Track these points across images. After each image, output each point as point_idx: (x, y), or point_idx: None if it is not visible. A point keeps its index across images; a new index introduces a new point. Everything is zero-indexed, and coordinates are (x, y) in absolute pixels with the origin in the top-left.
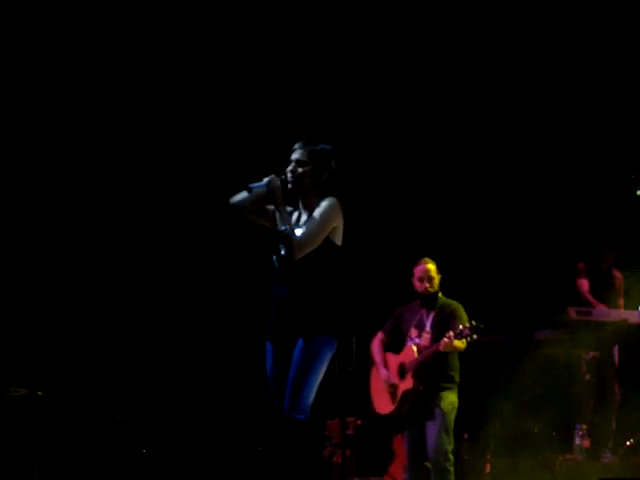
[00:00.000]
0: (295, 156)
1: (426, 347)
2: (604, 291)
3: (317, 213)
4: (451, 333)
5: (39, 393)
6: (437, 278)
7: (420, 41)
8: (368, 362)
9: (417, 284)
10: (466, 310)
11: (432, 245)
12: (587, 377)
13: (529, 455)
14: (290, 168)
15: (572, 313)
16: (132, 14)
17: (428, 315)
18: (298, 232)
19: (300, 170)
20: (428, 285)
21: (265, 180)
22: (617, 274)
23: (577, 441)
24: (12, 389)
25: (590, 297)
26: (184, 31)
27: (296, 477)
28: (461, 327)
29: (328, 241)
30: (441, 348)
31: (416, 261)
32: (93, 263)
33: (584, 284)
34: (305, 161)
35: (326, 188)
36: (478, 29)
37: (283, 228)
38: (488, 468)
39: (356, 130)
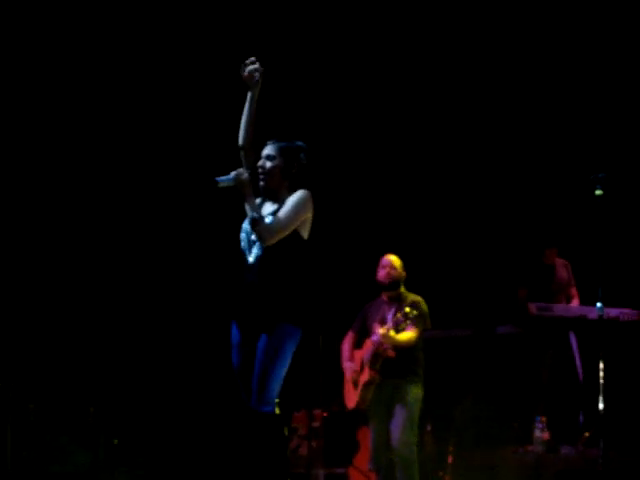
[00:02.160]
0: (265, 151)
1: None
2: (550, 285)
3: (290, 201)
4: (390, 324)
5: (11, 386)
6: (400, 271)
7: (392, 36)
8: (336, 355)
9: (380, 272)
10: (429, 305)
11: (396, 241)
12: (547, 371)
13: (490, 447)
14: (260, 163)
15: (532, 309)
16: (131, 14)
17: (390, 310)
18: (268, 219)
19: (269, 164)
20: (389, 269)
21: (232, 174)
22: (562, 262)
23: (537, 433)
24: None
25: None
26: (178, 29)
27: (265, 469)
28: (398, 315)
29: (295, 233)
30: (379, 338)
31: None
32: (70, 257)
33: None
34: (274, 155)
35: (296, 182)
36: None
37: (252, 214)
38: (450, 459)
39: (325, 125)
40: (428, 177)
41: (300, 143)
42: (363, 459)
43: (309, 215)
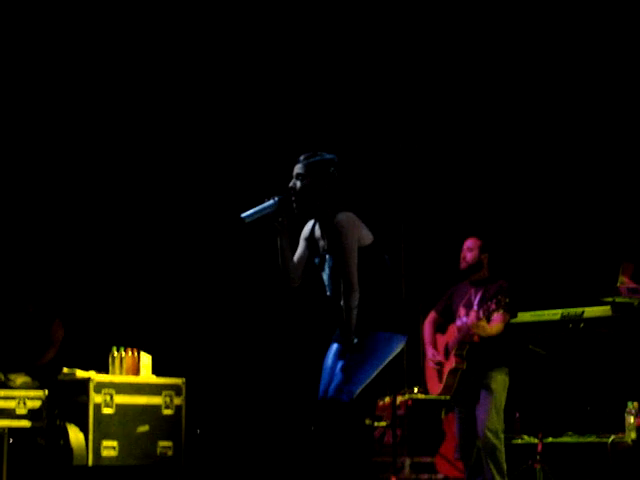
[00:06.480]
0: (295, 170)
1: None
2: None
3: (339, 244)
4: (480, 313)
5: (92, 377)
6: (477, 252)
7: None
8: (419, 343)
9: (461, 260)
10: (515, 288)
11: (482, 223)
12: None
13: (581, 434)
14: (290, 184)
15: (623, 291)
16: (133, 15)
17: (476, 294)
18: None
19: (299, 184)
20: (465, 252)
21: (273, 200)
22: None
23: (628, 420)
24: (64, 372)
25: None
26: (190, 35)
27: (339, 458)
28: (489, 304)
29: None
30: (468, 326)
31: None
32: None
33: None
34: (303, 174)
35: (332, 195)
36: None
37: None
38: (540, 448)
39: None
40: (518, 156)
41: (328, 155)
42: (449, 447)
43: (360, 234)
